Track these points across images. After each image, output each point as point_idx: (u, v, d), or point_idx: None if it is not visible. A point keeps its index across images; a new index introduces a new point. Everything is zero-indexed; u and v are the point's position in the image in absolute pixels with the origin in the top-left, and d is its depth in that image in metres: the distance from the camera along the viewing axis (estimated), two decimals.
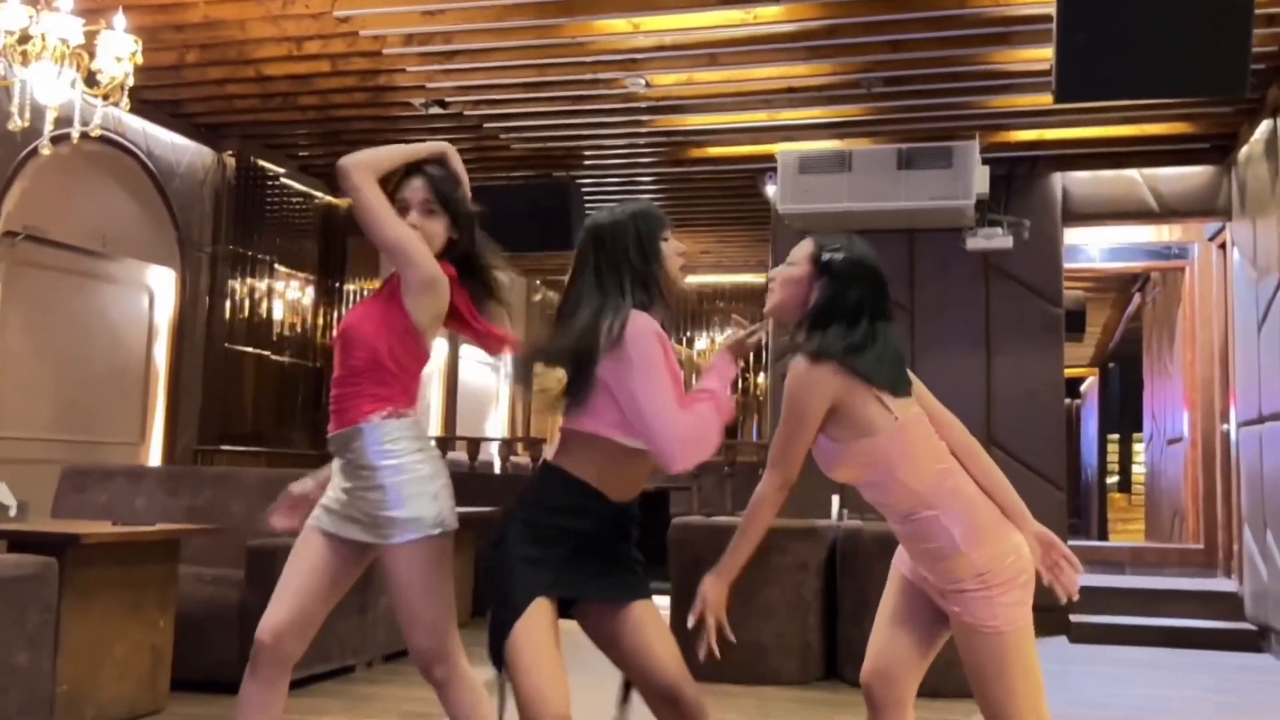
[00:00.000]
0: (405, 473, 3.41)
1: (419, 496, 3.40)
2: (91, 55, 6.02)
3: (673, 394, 3.01)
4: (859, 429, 3.14)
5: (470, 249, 3.65)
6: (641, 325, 3.04)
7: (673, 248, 3.23)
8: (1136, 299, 14.10)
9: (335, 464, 3.53)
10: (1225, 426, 10.13)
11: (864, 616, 6.62)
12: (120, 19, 6.08)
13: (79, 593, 5.11)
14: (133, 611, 5.44)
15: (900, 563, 3.39)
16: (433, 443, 3.63)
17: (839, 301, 3.21)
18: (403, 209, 3.49)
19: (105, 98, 6.14)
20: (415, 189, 3.54)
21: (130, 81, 6.16)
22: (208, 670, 6.06)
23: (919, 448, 3.19)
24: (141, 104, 8.73)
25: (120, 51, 6.06)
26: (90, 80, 6.11)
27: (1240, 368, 9.24)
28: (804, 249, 3.35)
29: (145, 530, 5.53)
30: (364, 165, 3.42)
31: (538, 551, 3.06)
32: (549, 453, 3.28)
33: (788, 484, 3.21)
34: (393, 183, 3.55)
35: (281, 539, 6.11)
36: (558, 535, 3.09)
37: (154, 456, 9.39)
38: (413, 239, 3.43)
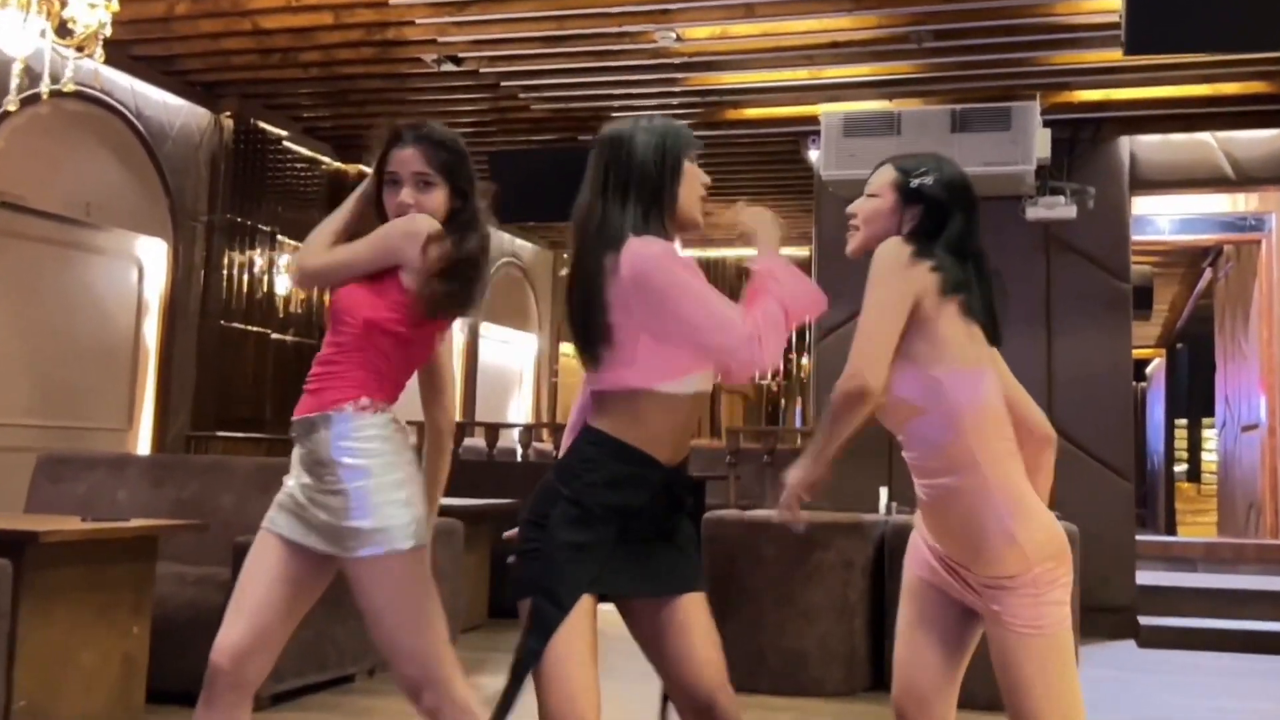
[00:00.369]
0: (371, 476, 3.07)
1: (387, 505, 3.07)
2: (63, 2, 5.68)
3: (716, 296, 2.76)
4: (938, 352, 2.90)
5: (471, 224, 3.25)
6: (645, 251, 2.78)
7: (696, 174, 2.95)
8: (1208, 274, 13.85)
9: (295, 454, 3.24)
10: None
11: None
12: None
13: (40, 596, 4.75)
14: (102, 617, 5.07)
15: (915, 563, 3.11)
16: (411, 443, 3.25)
17: (938, 233, 3.00)
18: (393, 182, 3.20)
19: (79, 49, 5.79)
20: (406, 159, 3.21)
21: (107, 31, 5.81)
22: (189, 680, 5.61)
23: (992, 408, 2.94)
24: (130, 60, 8.54)
25: None
26: (63, 30, 5.76)
27: None
28: (885, 176, 3.14)
29: (116, 527, 5.15)
30: (312, 255, 3.27)
31: (586, 535, 2.83)
32: (577, 420, 3.07)
33: (868, 394, 2.87)
34: (377, 154, 3.25)
35: None
36: (607, 514, 2.85)
37: (143, 443, 9.16)
38: (388, 244, 3.15)
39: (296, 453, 3.23)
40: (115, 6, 5.82)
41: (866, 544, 6.77)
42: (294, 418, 3.20)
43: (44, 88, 5.90)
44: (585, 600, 2.81)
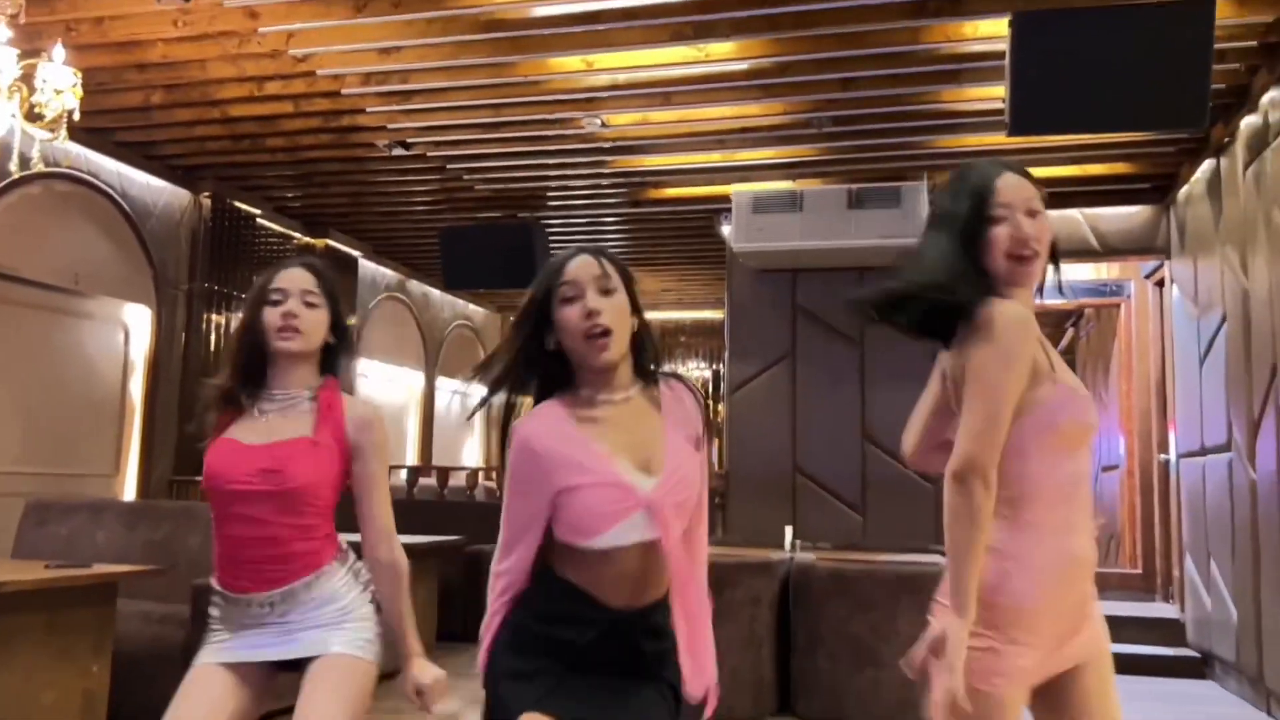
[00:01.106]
0: (366, 618, 2.84)
1: (376, 642, 2.83)
2: (32, 89, 5.31)
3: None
4: (1025, 404, 2.23)
5: (345, 350, 2.94)
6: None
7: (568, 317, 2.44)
8: (1070, 333, 13.57)
9: (255, 612, 2.79)
10: (1164, 457, 9.31)
11: (817, 650, 5.96)
12: (59, 51, 5.25)
13: (3, 640, 4.33)
14: (63, 657, 4.60)
15: (1027, 672, 2.27)
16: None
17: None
18: (277, 302, 2.80)
19: (50, 131, 5.42)
20: (294, 278, 2.85)
21: (77, 116, 5.42)
22: (151, 713, 5.23)
23: None
24: (114, 145, 7.88)
25: (60, 84, 5.34)
26: (33, 115, 5.39)
27: (1181, 400, 8.41)
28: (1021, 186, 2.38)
29: (75, 575, 4.67)
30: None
31: (524, 664, 2.39)
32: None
33: (991, 482, 2.20)
34: (258, 284, 2.87)
35: None
36: (547, 647, 2.40)
37: (129, 488, 8.55)
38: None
39: (265, 611, 2.80)
40: (79, 93, 5.45)
41: (773, 581, 6.19)
42: (269, 592, 2.76)
43: (14, 168, 5.52)
44: (531, 716, 2.32)
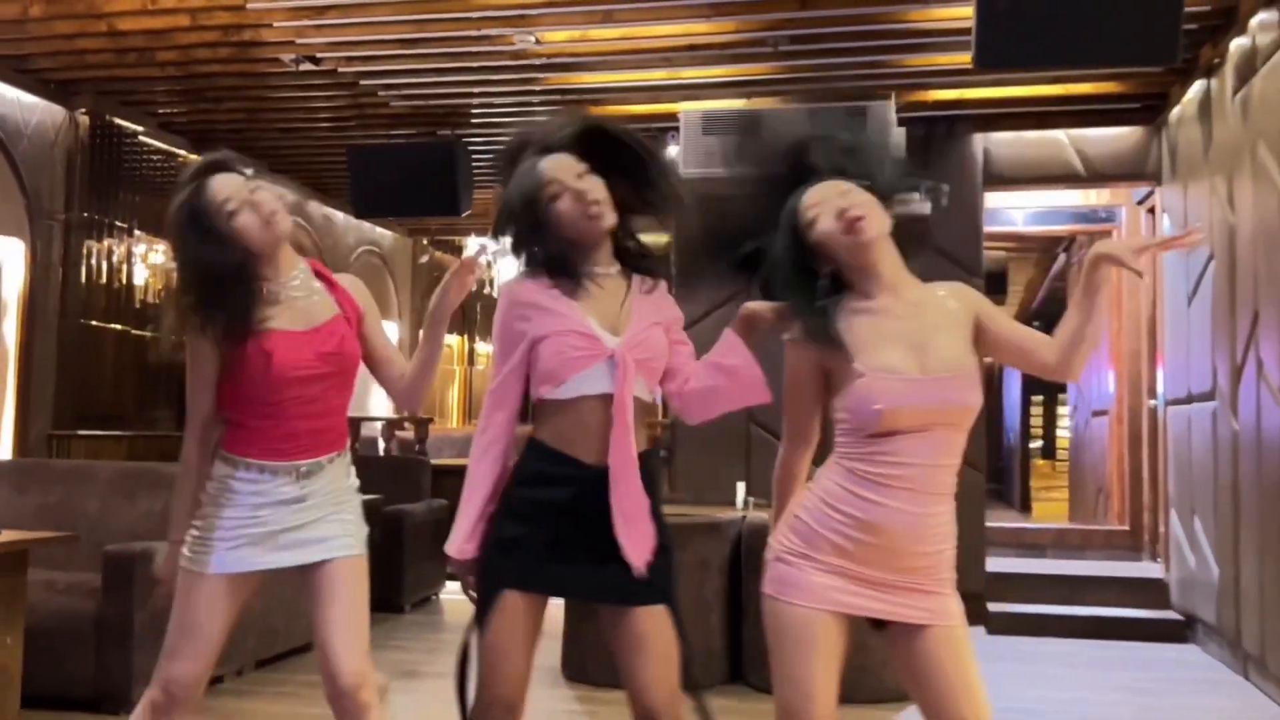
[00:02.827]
0: (358, 493, 3.65)
1: (362, 516, 3.63)
2: None
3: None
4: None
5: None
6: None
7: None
8: (1061, 258, 14.13)
9: (289, 487, 3.47)
10: (1152, 403, 10.15)
11: None
12: None
13: None
14: None
15: (822, 599, 2.91)
16: None
17: None
18: (233, 213, 3.42)
19: None
20: (228, 183, 3.50)
21: None
22: (60, 687, 5.90)
23: None
24: None
25: None
26: None
27: (1169, 343, 9.24)
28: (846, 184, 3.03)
29: None
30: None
31: (512, 531, 3.14)
32: None
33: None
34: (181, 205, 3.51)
35: (140, 544, 6.00)
36: (530, 510, 3.14)
37: (4, 444, 9.07)
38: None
39: (278, 490, 3.45)
40: None
41: (723, 544, 6.94)
42: (307, 461, 3.47)
43: None
44: (511, 596, 3.11)
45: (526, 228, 3.23)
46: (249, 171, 3.54)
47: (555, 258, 3.22)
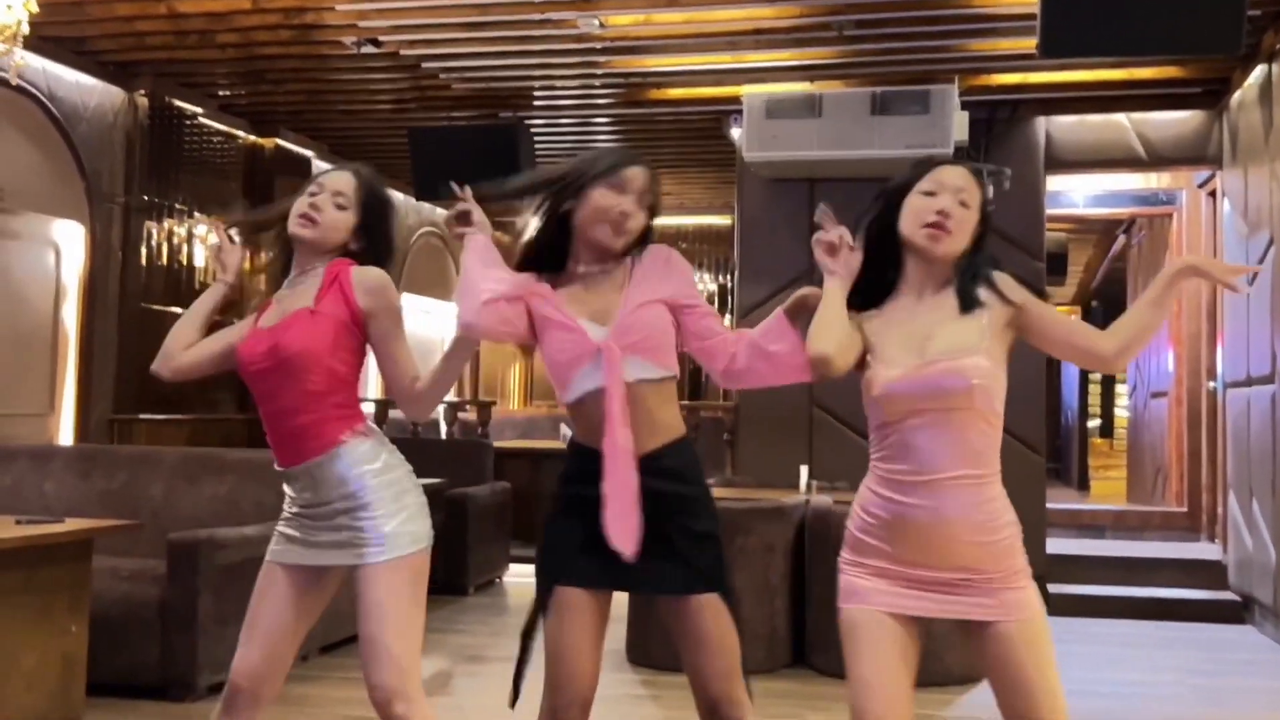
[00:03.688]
0: (389, 487, 3.41)
1: (403, 511, 3.40)
2: None
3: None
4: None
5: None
6: None
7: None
8: (1121, 239, 14.20)
9: (294, 492, 3.48)
10: (1212, 384, 10.22)
11: (834, 601, 6.57)
12: None
13: None
14: (41, 618, 5.21)
15: (873, 601, 2.95)
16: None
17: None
18: (312, 193, 3.50)
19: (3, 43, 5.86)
20: (335, 179, 3.55)
21: (25, 30, 5.87)
22: (125, 674, 5.94)
23: None
24: (40, 40, 8.40)
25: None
26: None
27: (1229, 325, 9.30)
28: (975, 190, 3.06)
29: (52, 532, 5.22)
30: (172, 351, 3.67)
31: (566, 526, 3.20)
32: None
33: None
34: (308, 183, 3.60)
35: (204, 530, 6.05)
36: (571, 506, 3.19)
37: (65, 429, 9.17)
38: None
39: (297, 492, 3.45)
40: (34, 8, 5.87)
41: (787, 528, 6.98)
42: (288, 467, 3.42)
43: None
44: (567, 592, 3.14)
45: (554, 196, 3.26)
46: (368, 186, 3.58)
47: (553, 241, 3.28)
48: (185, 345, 3.63)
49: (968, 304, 2.99)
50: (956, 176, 3.03)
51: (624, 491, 3.07)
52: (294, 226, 3.47)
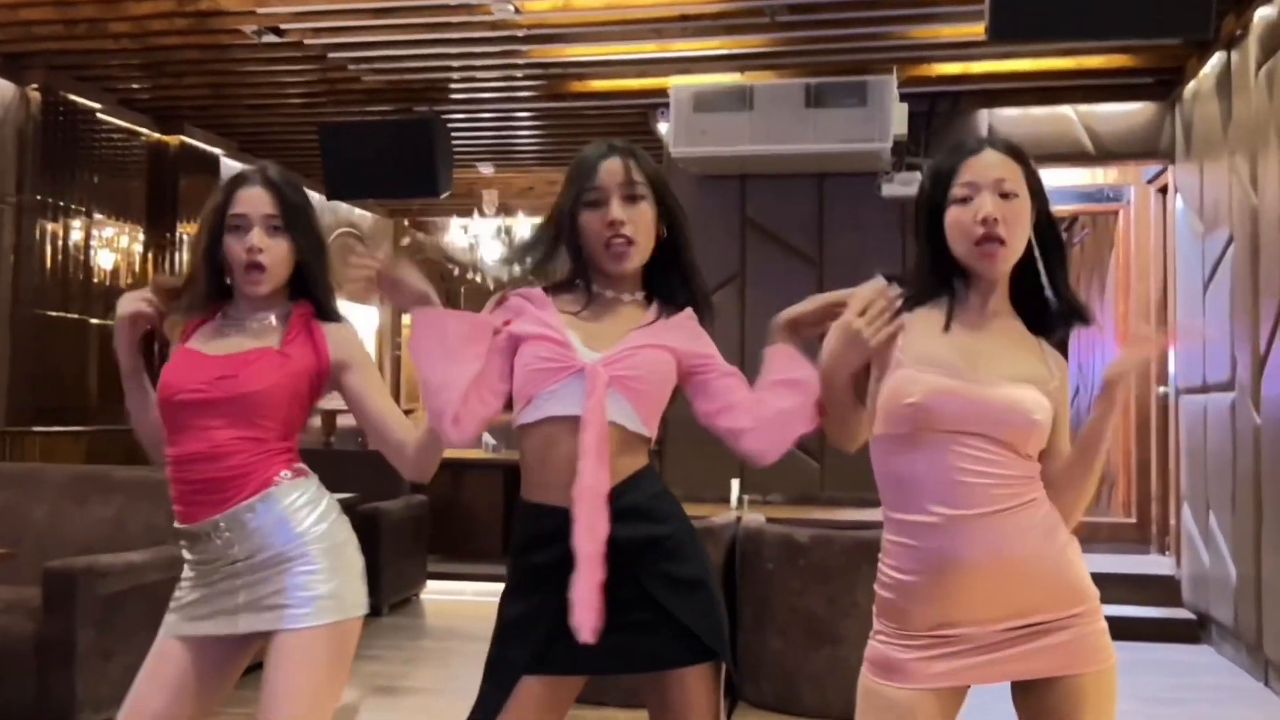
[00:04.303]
0: (326, 539, 2.99)
1: (342, 571, 2.99)
2: None
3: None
4: None
5: (320, 283, 3.13)
6: None
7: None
8: (1063, 238, 13.88)
9: (202, 554, 2.98)
10: (1163, 390, 9.79)
11: (766, 627, 6.20)
12: None
13: None
14: None
15: (922, 678, 2.55)
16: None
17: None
18: (237, 228, 2.99)
19: None
20: (255, 199, 3.02)
21: None
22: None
23: None
24: None
25: None
26: None
27: (1182, 328, 8.81)
28: (1014, 168, 2.65)
29: None
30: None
31: (517, 608, 2.69)
32: None
33: None
34: (213, 200, 3.07)
35: (84, 558, 5.47)
36: (529, 581, 2.68)
37: None
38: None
39: (203, 552, 2.98)
40: None
41: (717, 549, 6.39)
42: (205, 519, 2.94)
43: None
44: (529, 683, 2.62)
45: (556, 231, 2.82)
46: (288, 197, 3.07)
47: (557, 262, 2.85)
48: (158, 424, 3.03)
49: (1039, 328, 2.68)
50: (990, 163, 2.60)
51: (595, 551, 2.56)
52: (246, 285, 2.99)
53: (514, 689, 2.61)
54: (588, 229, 2.73)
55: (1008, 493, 2.52)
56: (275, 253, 2.98)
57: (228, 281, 3.05)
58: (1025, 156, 2.67)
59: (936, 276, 2.67)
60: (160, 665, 2.94)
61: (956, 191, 2.59)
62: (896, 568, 2.57)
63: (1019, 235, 2.59)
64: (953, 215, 2.59)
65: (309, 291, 3.10)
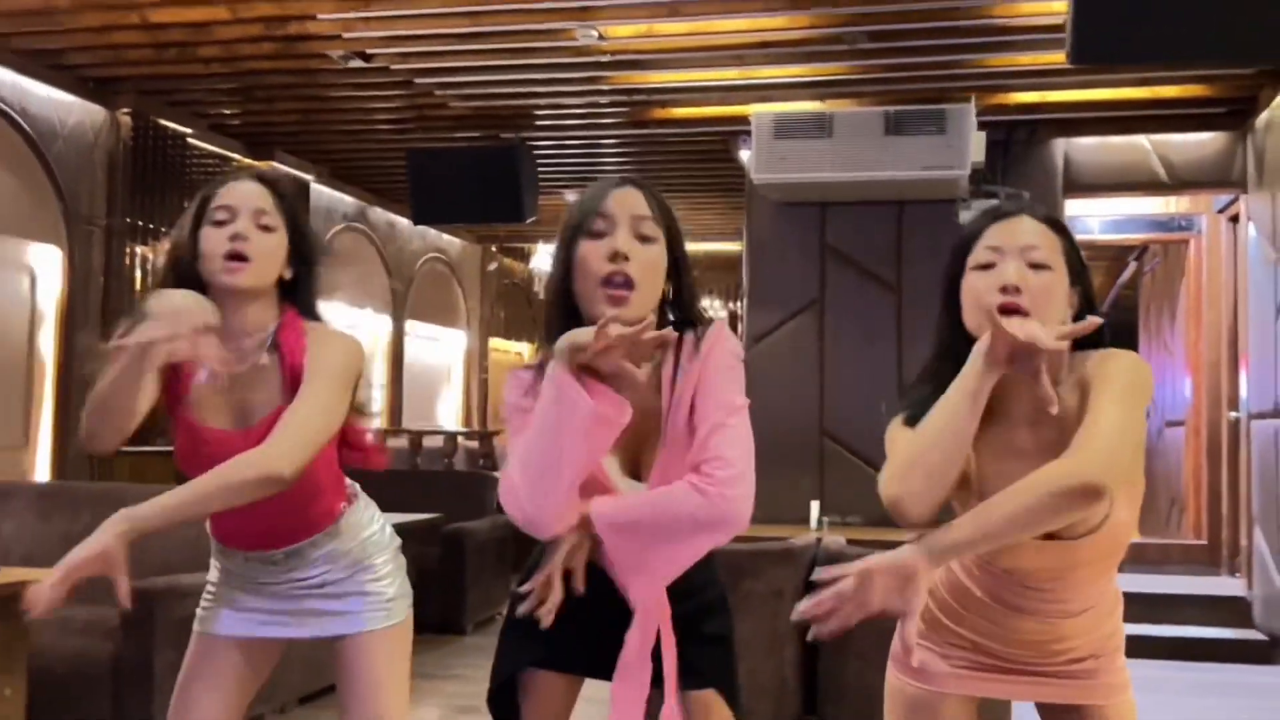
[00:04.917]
0: (387, 548, 2.95)
1: (400, 569, 2.97)
2: None
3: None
4: None
5: (311, 291, 2.86)
6: None
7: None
8: (1132, 265, 13.70)
9: (268, 577, 2.85)
10: (1234, 415, 9.51)
11: (847, 649, 5.96)
12: None
13: None
14: None
15: (954, 686, 2.49)
16: None
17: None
18: (221, 222, 2.65)
19: None
20: (245, 193, 2.71)
21: None
22: None
23: None
24: (11, 54, 7.71)
25: None
26: None
27: (1255, 354, 8.57)
28: (1047, 236, 2.32)
29: None
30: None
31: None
32: None
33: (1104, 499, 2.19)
34: (199, 198, 2.74)
35: (162, 579, 5.40)
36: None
37: (42, 463, 8.40)
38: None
39: (270, 570, 2.84)
40: None
41: (797, 571, 6.15)
42: (274, 551, 2.80)
43: None
44: (540, 675, 2.51)
45: (563, 269, 2.42)
46: (283, 194, 2.80)
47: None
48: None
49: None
50: (1023, 229, 2.30)
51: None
52: (221, 275, 2.64)
53: (526, 681, 2.52)
54: (584, 264, 2.34)
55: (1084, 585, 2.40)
56: (262, 246, 2.67)
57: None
58: (1068, 231, 2.37)
59: (949, 360, 2.35)
60: (207, 665, 2.90)
61: (979, 256, 2.30)
62: (951, 593, 2.47)
63: (1047, 312, 2.25)
64: (970, 281, 2.31)
65: (297, 297, 2.82)
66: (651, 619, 2.34)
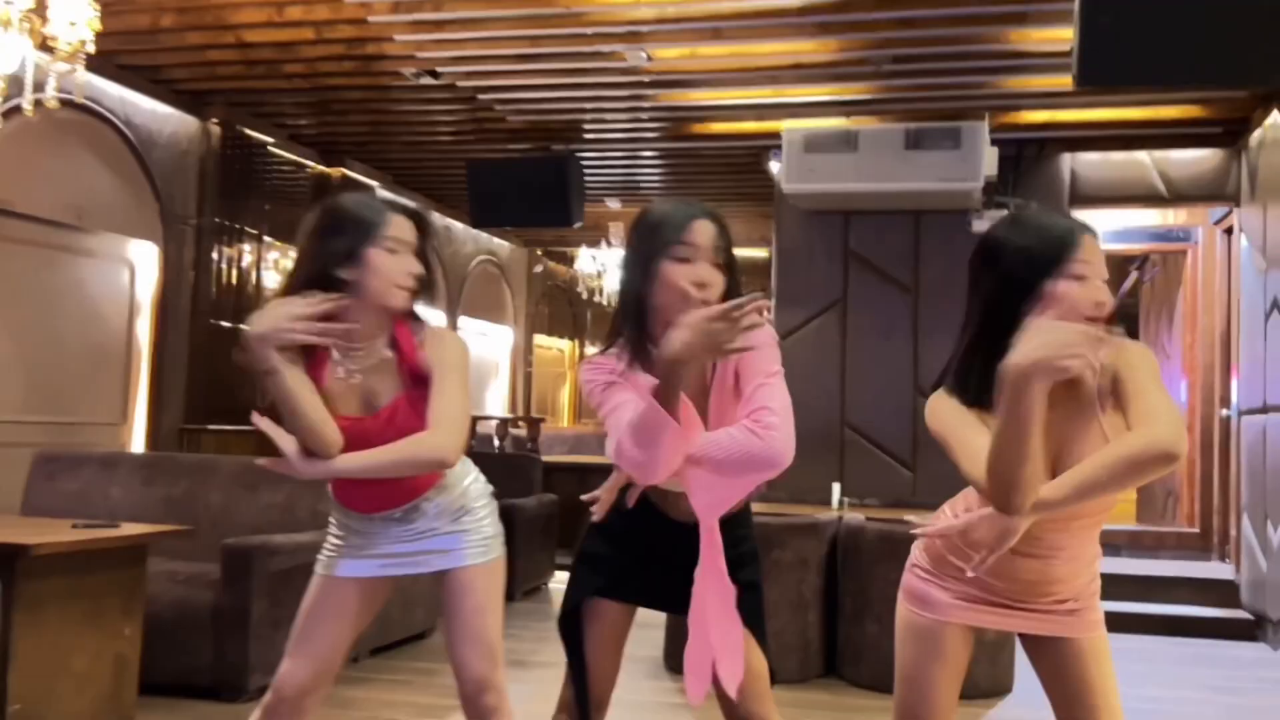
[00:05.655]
0: (484, 494, 3.31)
1: (495, 512, 3.33)
2: (44, 19, 5.36)
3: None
4: None
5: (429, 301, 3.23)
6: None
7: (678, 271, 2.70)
8: (1133, 275, 13.69)
9: (381, 527, 3.19)
10: (1225, 412, 9.72)
11: (865, 615, 6.28)
12: None
13: (31, 605, 4.51)
14: (93, 621, 4.83)
15: (948, 614, 2.76)
16: None
17: None
18: (393, 250, 3.02)
19: (68, 63, 5.48)
20: (406, 227, 3.07)
21: (90, 48, 5.49)
22: (178, 675, 5.58)
23: None
24: (118, 69, 8.09)
25: (74, 16, 5.39)
26: (45, 46, 5.45)
27: (1245, 355, 8.78)
28: (1099, 252, 2.56)
29: (106, 536, 4.84)
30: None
31: (601, 548, 2.99)
32: None
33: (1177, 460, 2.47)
34: (371, 215, 3.04)
35: (259, 536, 5.63)
36: (626, 543, 2.96)
37: (138, 437, 8.72)
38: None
39: (382, 524, 3.18)
40: (97, 25, 5.48)
41: (820, 543, 6.58)
42: (385, 512, 3.15)
43: (27, 100, 5.53)
44: (598, 604, 2.93)
45: (640, 280, 2.73)
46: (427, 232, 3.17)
47: (635, 335, 2.75)
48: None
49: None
50: (1094, 247, 2.54)
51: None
52: (394, 299, 3.01)
53: (590, 607, 2.93)
54: (669, 282, 2.65)
55: (1082, 546, 2.70)
56: (416, 277, 3.07)
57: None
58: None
59: (988, 338, 2.57)
60: (328, 600, 3.16)
61: (1076, 267, 2.50)
62: (961, 536, 2.65)
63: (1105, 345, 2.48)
64: (1064, 287, 2.49)
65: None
66: (713, 534, 2.69)
